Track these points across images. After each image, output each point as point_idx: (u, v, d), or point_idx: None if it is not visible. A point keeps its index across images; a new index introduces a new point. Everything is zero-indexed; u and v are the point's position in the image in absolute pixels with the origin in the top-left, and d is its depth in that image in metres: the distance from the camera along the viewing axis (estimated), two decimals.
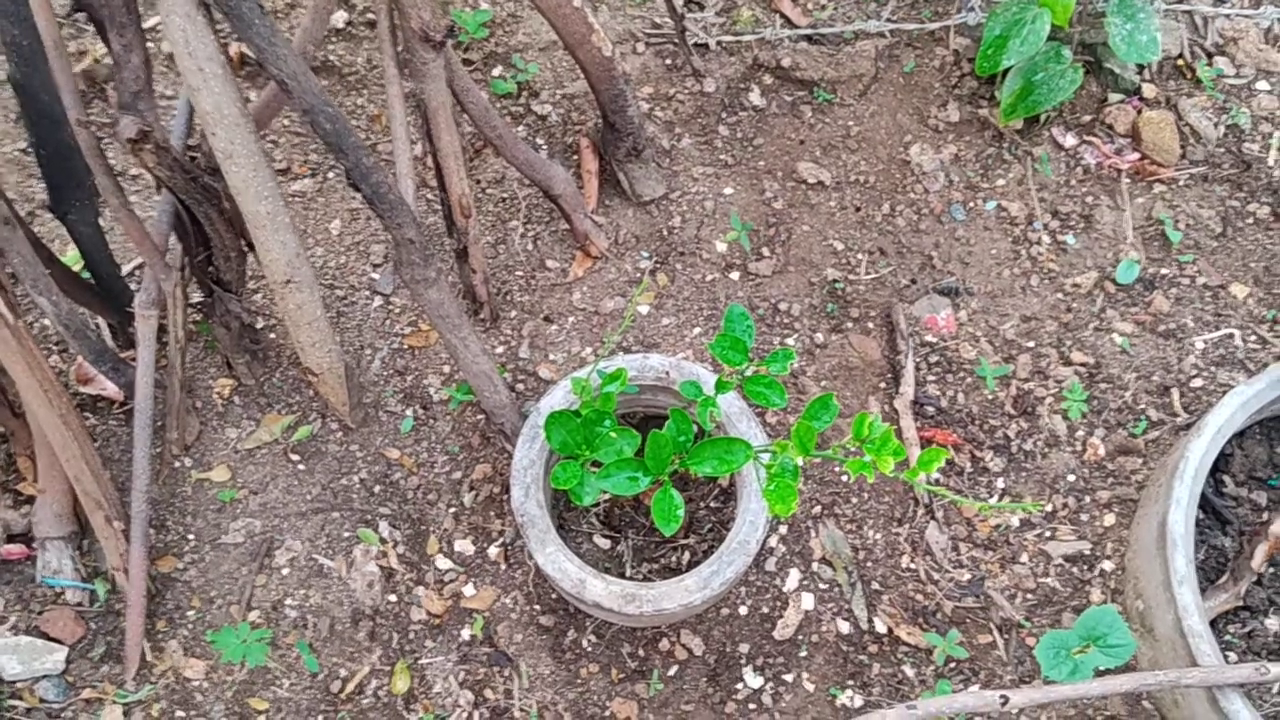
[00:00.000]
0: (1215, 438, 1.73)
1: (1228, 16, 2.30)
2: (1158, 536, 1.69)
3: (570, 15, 1.73)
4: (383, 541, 1.88)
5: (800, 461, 1.35)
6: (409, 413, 1.97)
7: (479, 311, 2.00)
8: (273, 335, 2.01)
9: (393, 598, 1.85)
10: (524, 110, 2.21)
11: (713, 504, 1.90)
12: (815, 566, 1.88)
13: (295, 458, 1.93)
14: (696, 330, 2.03)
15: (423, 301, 1.70)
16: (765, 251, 2.11)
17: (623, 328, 1.65)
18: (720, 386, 1.48)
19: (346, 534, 1.89)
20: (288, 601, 1.84)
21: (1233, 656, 1.75)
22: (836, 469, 1.95)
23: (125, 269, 1.99)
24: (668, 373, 1.78)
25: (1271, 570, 1.81)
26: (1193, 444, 1.72)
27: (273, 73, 1.27)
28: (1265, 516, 1.84)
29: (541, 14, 1.74)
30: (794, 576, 1.87)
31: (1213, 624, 1.77)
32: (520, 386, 1.97)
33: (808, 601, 1.85)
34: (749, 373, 1.49)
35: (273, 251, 1.51)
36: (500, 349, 2.01)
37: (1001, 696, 1.50)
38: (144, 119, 1.30)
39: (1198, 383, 1.97)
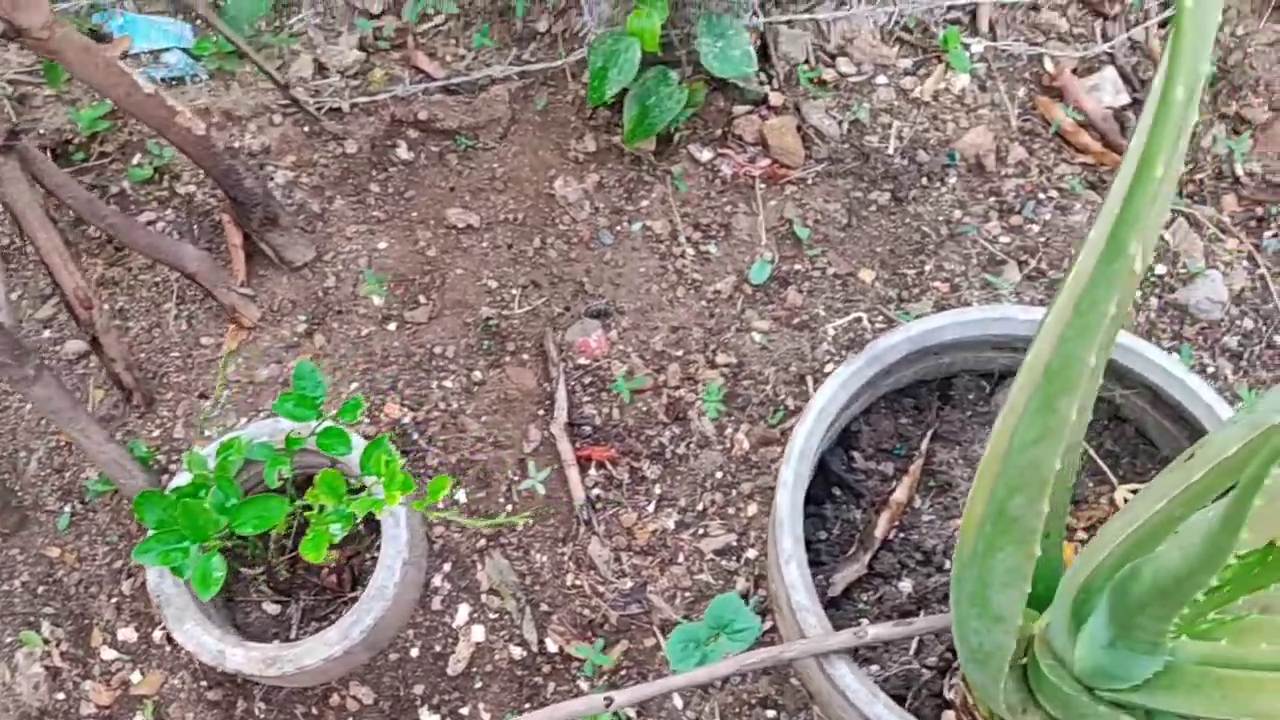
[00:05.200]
0: (819, 418, 1.82)
1: (847, 19, 2.45)
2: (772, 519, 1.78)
3: (145, 103, 1.77)
4: (45, 641, 1.87)
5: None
6: (66, 509, 1.97)
7: (130, 399, 2.02)
8: None
9: (61, 695, 1.85)
10: (168, 194, 2.24)
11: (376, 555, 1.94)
12: (484, 598, 1.92)
13: None
14: (354, 385, 2.07)
15: (30, 400, 1.71)
16: (421, 299, 2.17)
17: (218, 391, 1.68)
18: (290, 443, 1.53)
19: (9, 639, 1.88)
20: None
21: (865, 622, 1.84)
22: (500, 500, 2.01)
23: None
24: (301, 434, 1.82)
25: (901, 535, 1.92)
26: (797, 428, 1.82)
27: None
28: (892, 485, 1.95)
29: (121, 109, 1.78)
30: (463, 611, 1.91)
31: (847, 594, 1.87)
32: (174, 467, 1.99)
33: (478, 633, 1.90)
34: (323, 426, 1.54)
35: None
36: (156, 432, 2.03)
37: (606, 698, 1.57)
38: None
39: (830, 367, 2.09)
